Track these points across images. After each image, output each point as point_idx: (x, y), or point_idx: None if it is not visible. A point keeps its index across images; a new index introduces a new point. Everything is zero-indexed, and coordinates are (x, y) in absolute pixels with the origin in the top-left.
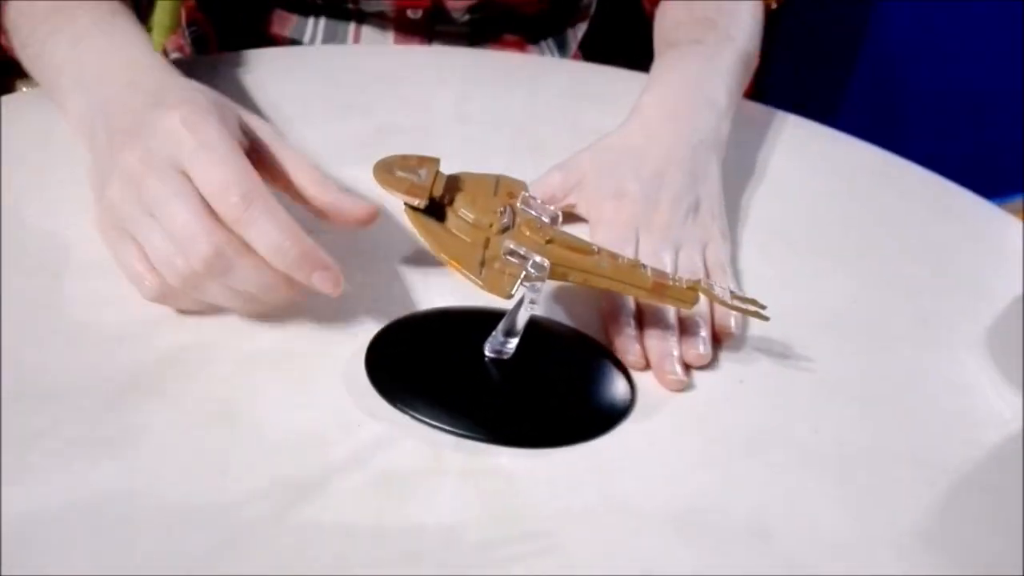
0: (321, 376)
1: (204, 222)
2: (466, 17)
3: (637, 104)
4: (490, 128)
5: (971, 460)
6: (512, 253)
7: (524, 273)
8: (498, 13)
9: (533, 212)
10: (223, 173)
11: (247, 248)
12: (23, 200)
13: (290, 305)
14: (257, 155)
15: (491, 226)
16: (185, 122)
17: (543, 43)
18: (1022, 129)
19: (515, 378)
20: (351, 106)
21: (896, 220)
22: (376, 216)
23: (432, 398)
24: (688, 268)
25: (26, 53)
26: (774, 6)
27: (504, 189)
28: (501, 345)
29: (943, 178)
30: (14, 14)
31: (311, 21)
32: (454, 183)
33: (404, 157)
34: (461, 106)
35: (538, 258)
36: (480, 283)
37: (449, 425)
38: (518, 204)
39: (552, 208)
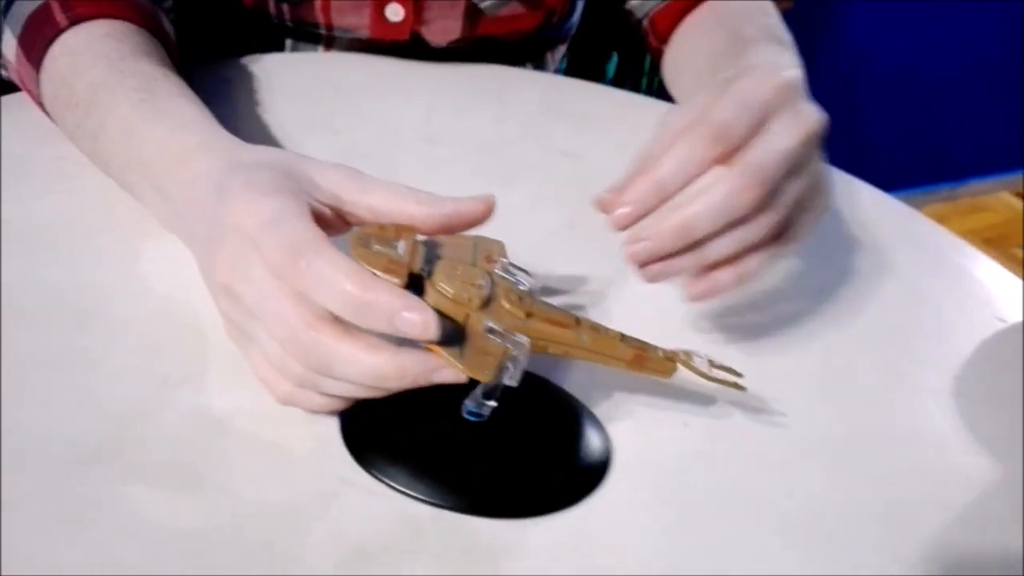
0: (294, 439)
1: (291, 321)
2: (444, 46)
3: (751, 62)
4: (459, 149)
5: (940, 524)
6: (492, 331)
7: (504, 353)
8: (480, 44)
9: (511, 278)
10: (276, 243)
11: (338, 337)
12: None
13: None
14: (339, 207)
15: (470, 300)
16: (246, 211)
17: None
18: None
19: (492, 441)
20: (315, 123)
21: (862, 255)
22: (493, 203)
23: (408, 464)
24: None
25: (80, 145)
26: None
27: (482, 253)
28: (479, 407)
29: (911, 208)
30: (49, 102)
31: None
32: (432, 251)
33: (381, 227)
34: (429, 124)
35: (519, 337)
36: (461, 366)
37: (426, 495)
38: (497, 271)
39: (530, 274)
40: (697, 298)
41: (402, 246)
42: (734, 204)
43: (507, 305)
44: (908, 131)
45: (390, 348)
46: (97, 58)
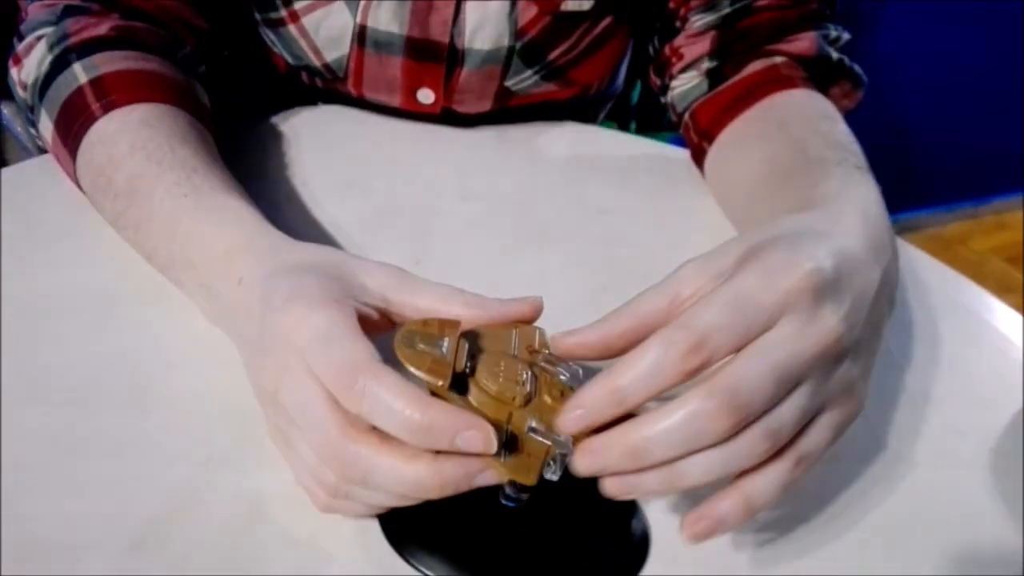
0: (332, 525)
1: (330, 433)
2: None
3: (826, 196)
4: (493, 206)
5: None
6: (534, 430)
7: (547, 452)
8: (514, 111)
9: (553, 370)
10: (330, 362)
11: (377, 449)
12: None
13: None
14: (386, 308)
15: (514, 399)
16: (296, 323)
17: None
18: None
19: (530, 525)
20: (349, 183)
21: (897, 318)
22: (540, 306)
23: (447, 552)
24: (801, 411)
25: (121, 234)
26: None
27: (523, 342)
28: (516, 493)
29: (947, 268)
30: (88, 188)
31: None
32: (474, 344)
33: (424, 323)
34: (463, 181)
35: (561, 437)
36: (503, 469)
37: None
38: (539, 362)
39: (572, 365)
40: (698, 538)
41: (446, 344)
42: (697, 431)
43: (549, 400)
44: (930, 149)
45: (428, 456)
46: (134, 149)
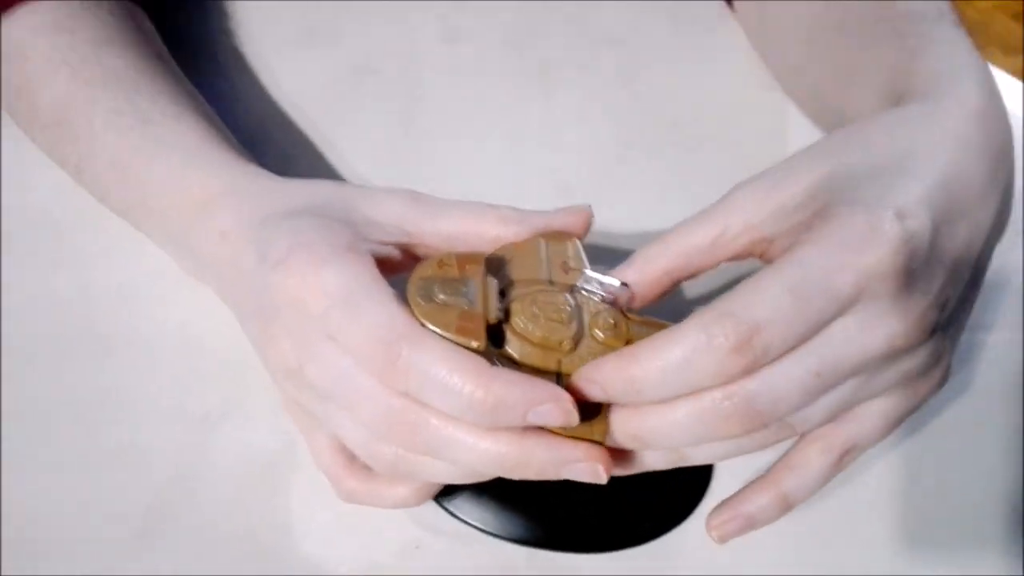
0: None
1: (387, 402)
2: None
3: (929, 77)
4: (484, 47)
5: None
6: None
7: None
8: None
9: (597, 293)
10: (359, 332)
11: (447, 418)
12: None
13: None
14: (406, 242)
15: (561, 343)
16: (304, 283)
17: None
18: None
19: None
20: (315, 33)
21: None
22: (590, 213)
23: (495, 502)
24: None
25: (63, 168)
26: None
27: (556, 260)
28: None
29: None
30: (8, 106)
31: None
32: (500, 275)
33: (440, 263)
34: (446, 20)
35: None
36: (567, 435)
37: (518, 535)
38: (579, 284)
39: (614, 282)
40: (726, 538)
41: (472, 288)
42: (703, 430)
43: (601, 335)
44: None
45: (512, 430)
46: (53, 65)
